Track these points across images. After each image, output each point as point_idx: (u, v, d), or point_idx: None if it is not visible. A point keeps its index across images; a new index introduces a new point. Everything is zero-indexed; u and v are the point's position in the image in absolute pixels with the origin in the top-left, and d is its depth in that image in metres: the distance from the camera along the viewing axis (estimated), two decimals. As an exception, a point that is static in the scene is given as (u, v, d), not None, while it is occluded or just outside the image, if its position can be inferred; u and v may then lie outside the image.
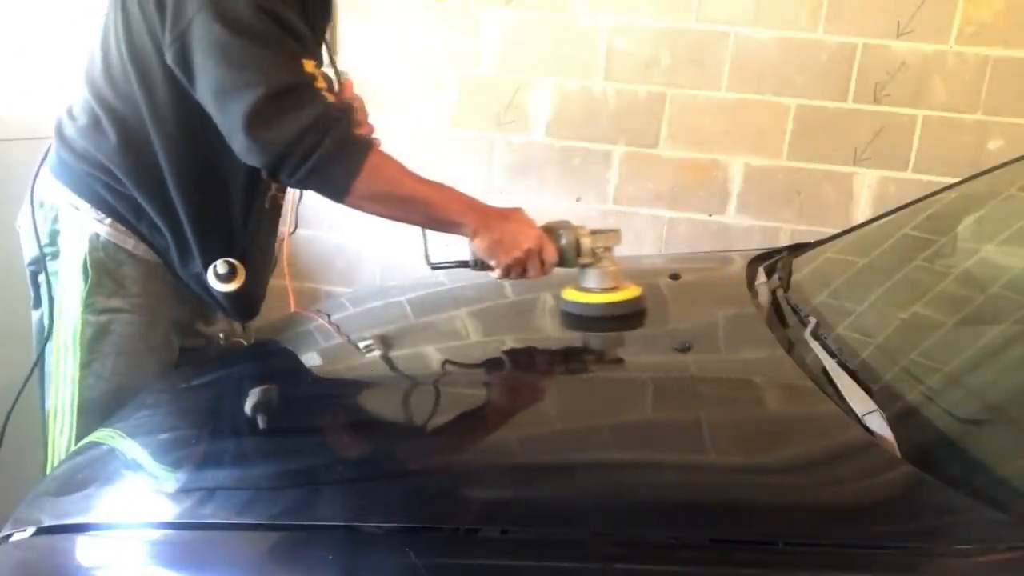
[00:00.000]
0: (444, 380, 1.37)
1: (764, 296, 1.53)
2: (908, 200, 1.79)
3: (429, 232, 1.51)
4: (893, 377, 1.21)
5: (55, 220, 1.46)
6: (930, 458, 1.01)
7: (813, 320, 1.36)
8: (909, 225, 1.70)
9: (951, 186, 1.78)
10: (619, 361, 1.47)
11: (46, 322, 1.50)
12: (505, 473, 1.07)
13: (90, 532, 1.06)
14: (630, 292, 1.49)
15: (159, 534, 1.03)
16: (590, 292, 1.48)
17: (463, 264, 1.50)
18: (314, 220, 2.90)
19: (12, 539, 1.08)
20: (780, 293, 1.53)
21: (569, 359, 1.47)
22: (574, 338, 1.54)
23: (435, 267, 1.55)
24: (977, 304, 1.41)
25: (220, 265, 1.45)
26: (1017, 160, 1.68)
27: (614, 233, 1.50)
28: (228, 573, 0.98)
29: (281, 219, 1.70)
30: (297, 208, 2.88)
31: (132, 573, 1.02)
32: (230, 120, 1.28)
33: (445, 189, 1.41)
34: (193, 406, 1.42)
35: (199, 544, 1.00)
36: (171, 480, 1.14)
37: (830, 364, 1.21)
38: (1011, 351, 1.22)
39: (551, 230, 1.46)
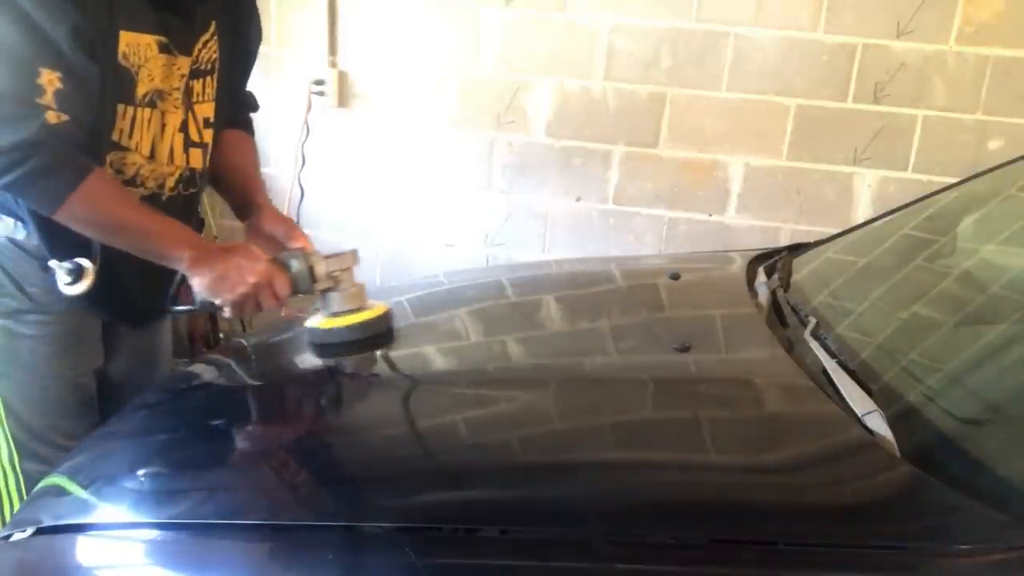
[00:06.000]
0: (443, 380, 1.37)
1: (764, 296, 1.52)
2: (908, 200, 1.79)
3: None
4: (893, 377, 1.21)
5: None
6: (930, 458, 1.01)
7: (813, 320, 1.36)
8: (909, 225, 1.70)
9: (951, 186, 1.77)
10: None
11: None
12: (505, 473, 1.07)
13: (90, 532, 1.07)
14: (378, 310, 1.44)
15: (159, 534, 1.03)
16: (337, 317, 1.43)
17: (193, 310, 1.44)
18: (314, 220, 2.90)
19: (12, 539, 1.08)
20: (780, 293, 1.53)
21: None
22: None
23: (172, 313, 1.51)
24: (977, 304, 1.41)
25: (63, 265, 1.38)
26: (1017, 160, 1.68)
27: (350, 254, 1.44)
28: (228, 573, 0.98)
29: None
30: (299, 209, 2.90)
31: (132, 573, 1.03)
32: None
33: (166, 223, 1.38)
34: (193, 407, 1.42)
35: (199, 544, 1.00)
36: (170, 480, 1.15)
37: (830, 364, 1.21)
38: (1011, 351, 1.22)
39: (281, 260, 1.42)
